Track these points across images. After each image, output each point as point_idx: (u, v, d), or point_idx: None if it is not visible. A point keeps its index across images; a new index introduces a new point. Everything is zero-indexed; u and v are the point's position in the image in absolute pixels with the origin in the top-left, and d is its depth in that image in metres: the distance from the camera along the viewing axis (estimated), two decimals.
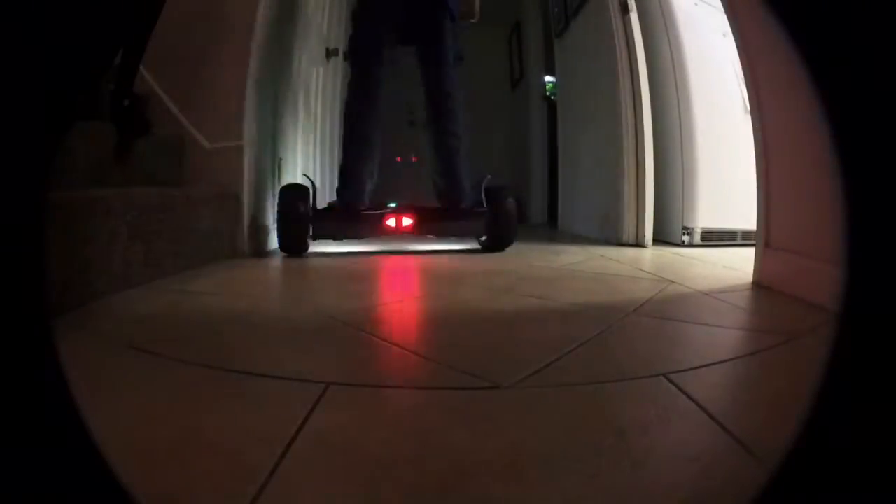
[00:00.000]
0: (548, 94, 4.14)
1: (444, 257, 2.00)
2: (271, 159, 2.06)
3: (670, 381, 0.71)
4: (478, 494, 0.45)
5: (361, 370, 0.78)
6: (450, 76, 2.06)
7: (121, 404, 0.61)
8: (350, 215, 2.00)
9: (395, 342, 0.89)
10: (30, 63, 0.26)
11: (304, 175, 2.22)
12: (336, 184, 2.12)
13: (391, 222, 2.00)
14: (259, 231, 1.93)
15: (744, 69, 1.48)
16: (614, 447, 0.53)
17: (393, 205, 2.07)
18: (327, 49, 2.69)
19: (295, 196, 1.91)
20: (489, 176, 2.14)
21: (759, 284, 1.42)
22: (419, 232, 2.05)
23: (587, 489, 0.45)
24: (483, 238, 2.14)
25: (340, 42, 2.86)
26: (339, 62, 2.86)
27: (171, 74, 1.93)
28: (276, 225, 1.89)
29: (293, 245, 1.91)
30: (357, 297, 1.27)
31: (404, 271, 1.74)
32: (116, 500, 0.28)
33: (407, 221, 2.00)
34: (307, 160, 2.52)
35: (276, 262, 1.80)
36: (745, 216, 1.93)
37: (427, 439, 0.55)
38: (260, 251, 1.92)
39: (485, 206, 2.05)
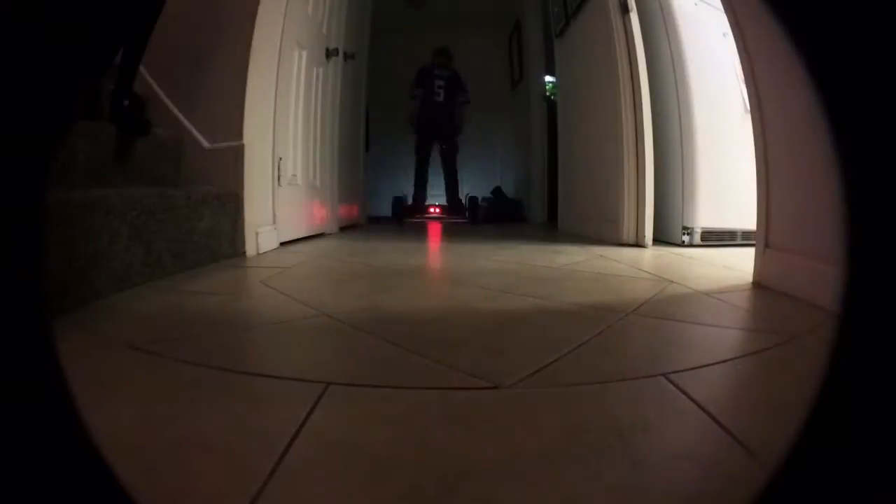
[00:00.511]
0: (548, 94, 4.14)
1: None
2: (271, 159, 2.07)
3: (670, 381, 0.71)
4: (478, 494, 0.45)
5: (361, 370, 0.78)
6: (456, 161, 4.42)
7: (121, 404, 0.61)
8: (420, 207, 4.54)
9: (393, 341, 0.89)
10: (30, 62, 0.26)
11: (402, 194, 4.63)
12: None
13: (433, 210, 4.64)
14: (259, 231, 1.93)
15: (744, 69, 1.48)
16: (614, 447, 0.53)
17: (434, 202, 4.63)
18: (327, 49, 2.68)
19: (401, 198, 4.51)
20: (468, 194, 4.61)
21: (759, 284, 1.42)
22: (444, 214, 4.59)
23: (587, 489, 0.45)
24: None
25: (340, 42, 2.86)
26: (339, 62, 2.86)
27: (171, 74, 1.93)
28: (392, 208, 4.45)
29: (401, 216, 4.41)
30: (356, 298, 1.27)
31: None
32: (116, 500, 0.28)
33: (437, 210, 4.65)
34: (307, 160, 2.52)
35: (276, 261, 1.80)
36: (745, 216, 1.93)
37: (427, 439, 0.55)
38: (260, 250, 1.92)
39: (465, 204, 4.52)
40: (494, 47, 5.06)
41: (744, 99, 1.90)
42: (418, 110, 4.28)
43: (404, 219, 4.31)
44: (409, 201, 4.50)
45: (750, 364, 0.82)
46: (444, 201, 4.48)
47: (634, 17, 2.35)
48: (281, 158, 2.15)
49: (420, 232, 2.99)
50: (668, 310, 1.15)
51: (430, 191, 4.50)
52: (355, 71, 3.31)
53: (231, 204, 1.76)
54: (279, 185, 2.13)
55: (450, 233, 2.97)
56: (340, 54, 2.85)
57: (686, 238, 2.38)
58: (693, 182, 2.38)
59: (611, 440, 0.54)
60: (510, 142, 5.03)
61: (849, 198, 0.26)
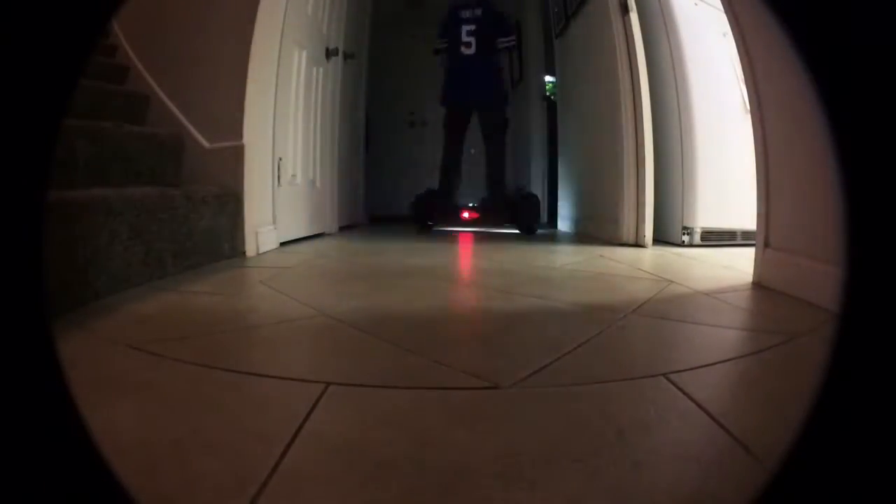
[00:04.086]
0: (548, 94, 4.14)
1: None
2: (271, 159, 2.07)
3: (670, 381, 0.71)
4: (478, 495, 0.45)
5: (361, 370, 0.78)
6: (504, 144, 3.27)
7: (121, 404, 0.61)
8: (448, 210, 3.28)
9: (393, 341, 0.89)
10: (22, 58, 0.26)
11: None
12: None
13: (467, 215, 3.24)
14: (259, 231, 1.93)
15: (744, 69, 1.48)
16: (614, 447, 0.53)
17: (471, 204, 3.32)
18: (327, 49, 2.68)
19: (426, 196, 3.24)
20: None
21: (759, 284, 1.42)
22: (483, 219, 3.27)
23: (587, 489, 0.45)
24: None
25: (340, 42, 2.86)
26: (339, 62, 2.86)
27: (171, 74, 1.93)
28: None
29: (426, 221, 3.25)
30: (356, 298, 1.27)
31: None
32: (116, 500, 0.28)
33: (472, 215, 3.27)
34: (307, 160, 2.52)
35: (276, 261, 1.80)
36: (745, 216, 1.93)
37: (427, 439, 0.55)
38: (260, 250, 1.92)
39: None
40: None
41: (744, 99, 1.89)
42: (445, 73, 3.17)
43: (430, 225, 3.19)
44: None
45: (750, 364, 0.82)
46: (480, 202, 3.35)
47: (634, 17, 2.35)
48: (281, 158, 2.15)
49: (419, 232, 2.99)
50: (668, 310, 1.15)
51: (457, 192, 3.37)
52: (355, 71, 3.31)
53: (231, 204, 1.76)
54: (279, 185, 2.13)
55: (451, 234, 2.97)
56: (340, 54, 2.85)
57: (686, 238, 2.38)
58: (693, 182, 2.38)
59: (611, 440, 0.54)
60: (510, 142, 5.03)
61: (848, 197, 0.26)
